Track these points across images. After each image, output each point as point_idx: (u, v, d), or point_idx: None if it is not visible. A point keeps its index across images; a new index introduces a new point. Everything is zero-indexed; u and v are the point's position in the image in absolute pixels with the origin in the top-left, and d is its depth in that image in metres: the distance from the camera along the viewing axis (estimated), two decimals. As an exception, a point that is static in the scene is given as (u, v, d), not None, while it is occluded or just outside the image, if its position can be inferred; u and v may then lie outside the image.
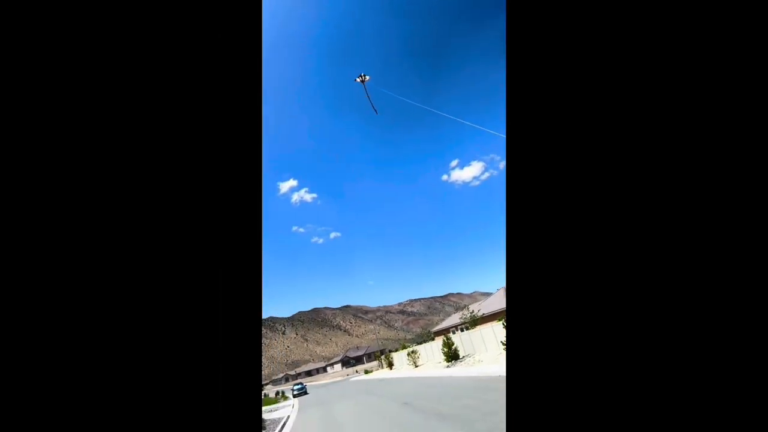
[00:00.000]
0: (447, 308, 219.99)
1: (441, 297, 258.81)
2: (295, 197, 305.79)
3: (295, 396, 23.43)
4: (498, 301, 32.50)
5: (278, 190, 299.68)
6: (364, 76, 10.60)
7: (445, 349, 20.61)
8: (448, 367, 20.05)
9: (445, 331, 33.52)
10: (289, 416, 12.43)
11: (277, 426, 11.03)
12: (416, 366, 27.60)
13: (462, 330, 29.07)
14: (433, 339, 37.58)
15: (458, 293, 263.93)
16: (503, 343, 14.67)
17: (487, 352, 19.43)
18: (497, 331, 18.45)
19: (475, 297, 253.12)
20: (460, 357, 20.79)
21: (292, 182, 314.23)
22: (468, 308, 32.55)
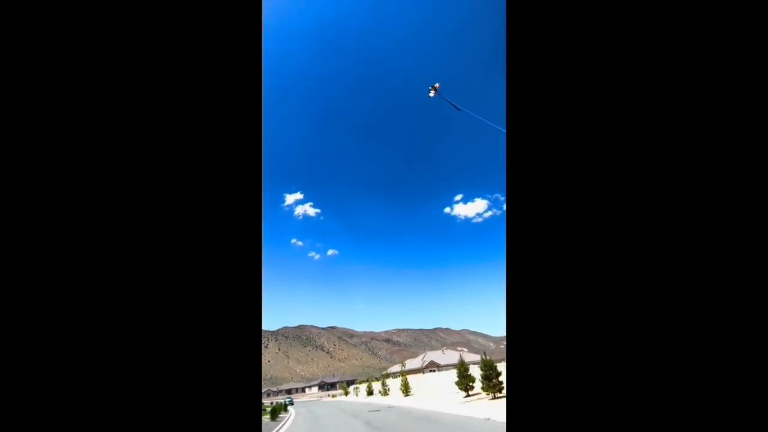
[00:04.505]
0: (434, 342, 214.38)
1: (429, 330, 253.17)
2: (299, 210, 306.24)
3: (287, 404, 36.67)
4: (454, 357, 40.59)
5: (284, 201, 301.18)
6: (435, 86, 10.58)
7: (383, 387, 31.81)
8: (383, 396, 31.04)
9: (399, 373, 38.59)
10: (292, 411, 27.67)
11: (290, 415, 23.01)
12: (367, 395, 37.46)
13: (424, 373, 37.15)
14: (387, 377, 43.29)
15: (447, 328, 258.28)
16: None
17: (416, 393, 26.50)
18: (442, 378, 23.84)
19: (463, 335, 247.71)
20: (408, 392, 27.25)
21: (298, 195, 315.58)
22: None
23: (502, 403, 12.58)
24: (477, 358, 16.35)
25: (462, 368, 17.99)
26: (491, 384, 14.78)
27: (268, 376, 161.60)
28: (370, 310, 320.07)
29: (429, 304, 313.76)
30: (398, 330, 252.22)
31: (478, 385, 15.87)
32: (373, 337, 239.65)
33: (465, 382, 17.67)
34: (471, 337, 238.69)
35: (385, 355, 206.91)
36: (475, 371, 16.93)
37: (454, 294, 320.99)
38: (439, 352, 58.11)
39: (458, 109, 11.00)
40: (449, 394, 19.71)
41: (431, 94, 10.57)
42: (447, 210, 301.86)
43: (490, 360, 15.43)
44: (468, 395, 17.47)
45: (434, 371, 40.27)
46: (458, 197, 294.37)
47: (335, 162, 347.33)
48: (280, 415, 22.18)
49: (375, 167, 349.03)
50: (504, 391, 14.28)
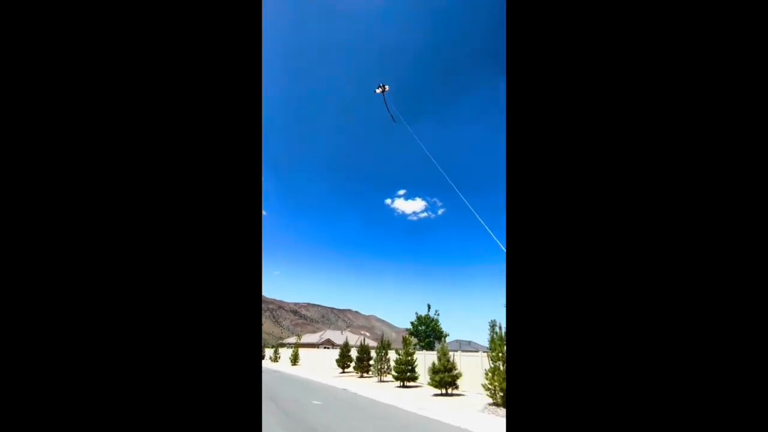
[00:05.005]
0: (340, 322, 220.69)
1: (339, 310, 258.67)
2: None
3: None
4: (351, 338, 47.97)
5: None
6: (384, 86, 10.08)
7: (274, 355, 36.58)
8: (273, 362, 34.88)
9: (294, 345, 41.50)
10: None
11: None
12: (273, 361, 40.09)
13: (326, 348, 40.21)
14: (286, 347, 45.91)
15: (356, 311, 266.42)
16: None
17: (303, 364, 30.36)
18: (332, 355, 26.47)
19: (370, 320, 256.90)
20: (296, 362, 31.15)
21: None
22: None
23: (365, 381, 15.52)
24: (375, 344, 19.37)
25: (345, 349, 20.96)
26: (362, 365, 17.86)
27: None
28: (285, 279, 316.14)
29: (344, 284, 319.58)
30: (308, 304, 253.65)
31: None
32: (280, 306, 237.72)
33: (343, 360, 20.64)
34: (377, 323, 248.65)
35: (289, 326, 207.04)
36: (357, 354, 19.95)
37: (371, 280, 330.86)
38: (339, 332, 61.50)
39: (394, 121, 10.40)
40: (330, 369, 22.61)
41: (377, 91, 10.14)
42: (388, 201, 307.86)
43: (366, 346, 18.50)
44: (343, 371, 20.45)
45: (328, 348, 43.38)
46: (401, 192, 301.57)
47: (280, 121, 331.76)
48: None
49: (324, 140, 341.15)
50: (370, 371, 17.41)
